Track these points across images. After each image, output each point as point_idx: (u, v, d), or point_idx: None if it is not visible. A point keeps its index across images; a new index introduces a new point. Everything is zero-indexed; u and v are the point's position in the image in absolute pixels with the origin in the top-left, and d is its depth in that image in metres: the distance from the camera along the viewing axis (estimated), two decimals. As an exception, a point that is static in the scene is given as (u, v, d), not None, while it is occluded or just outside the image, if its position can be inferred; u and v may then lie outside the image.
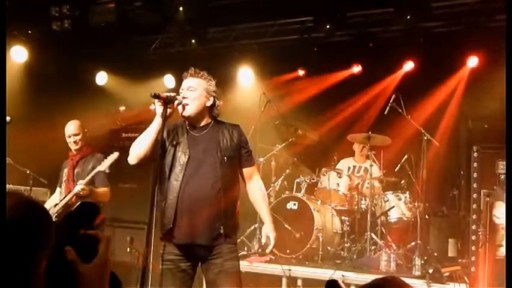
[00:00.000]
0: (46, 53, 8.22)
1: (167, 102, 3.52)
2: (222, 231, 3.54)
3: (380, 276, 1.77)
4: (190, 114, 3.61)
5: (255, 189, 3.82)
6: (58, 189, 5.60)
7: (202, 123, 3.70)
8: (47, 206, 5.39)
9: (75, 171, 5.35)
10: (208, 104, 3.67)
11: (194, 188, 3.56)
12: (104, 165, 5.14)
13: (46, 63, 8.25)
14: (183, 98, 3.59)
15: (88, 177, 5.11)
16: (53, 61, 8.28)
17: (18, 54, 8.09)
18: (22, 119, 6.13)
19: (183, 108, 3.59)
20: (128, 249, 7.18)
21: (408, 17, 7.00)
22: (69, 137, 5.39)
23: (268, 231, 3.81)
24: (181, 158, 3.62)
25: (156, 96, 3.52)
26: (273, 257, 6.19)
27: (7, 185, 6.21)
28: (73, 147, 5.40)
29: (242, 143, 3.74)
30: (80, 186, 5.06)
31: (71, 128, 5.41)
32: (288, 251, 6.24)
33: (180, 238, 3.56)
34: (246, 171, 3.78)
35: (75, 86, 8.41)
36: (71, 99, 7.94)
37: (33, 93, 7.97)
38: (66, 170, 5.45)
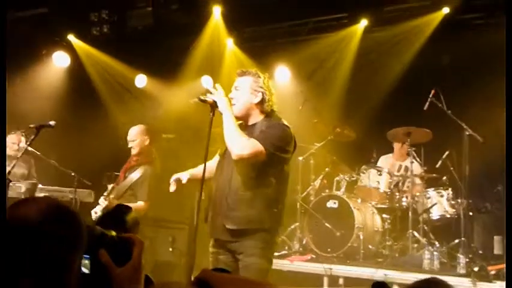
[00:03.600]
0: (87, 57, 8.41)
1: (214, 105, 3.57)
2: (229, 226, 3.54)
3: (423, 278, 1.74)
4: (236, 114, 3.60)
5: None
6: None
7: (252, 121, 3.67)
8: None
9: (126, 174, 5.42)
10: (256, 100, 3.63)
11: (218, 186, 3.66)
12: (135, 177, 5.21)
13: (87, 67, 8.44)
14: (231, 98, 3.61)
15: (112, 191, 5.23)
16: (94, 65, 8.46)
17: (61, 60, 8.31)
18: (65, 123, 6.30)
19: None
20: (170, 249, 7.30)
21: (445, 9, 6.90)
22: (129, 142, 5.45)
23: None
24: (218, 156, 3.75)
25: (203, 100, 3.58)
26: (314, 256, 6.19)
27: (53, 187, 6.42)
28: (131, 151, 5.46)
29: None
30: (102, 200, 5.16)
31: (130, 133, 5.47)
32: (328, 249, 6.22)
33: (211, 233, 3.70)
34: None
35: (115, 89, 8.58)
36: (112, 102, 8.12)
37: (76, 97, 8.18)
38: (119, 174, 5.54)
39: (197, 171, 3.89)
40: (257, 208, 3.53)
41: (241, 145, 3.46)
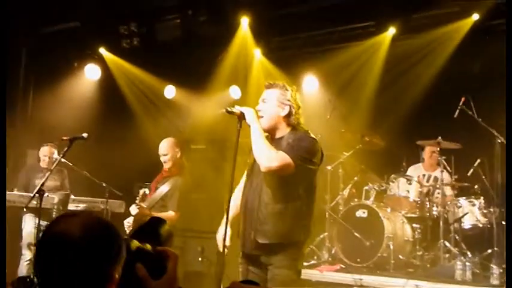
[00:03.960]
0: (117, 69, 8.56)
1: (242, 117, 3.59)
2: (260, 240, 3.54)
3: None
4: (264, 127, 3.60)
5: None
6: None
7: (279, 134, 3.67)
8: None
9: (158, 186, 5.41)
10: (283, 113, 3.62)
11: (247, 199, 3.67)
12: (166, 189, 5.28)
13: (117, 79, 8.59)
14: (258, 110, 3.62)
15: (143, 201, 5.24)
16: (124, 77, 8.61)
17: (92, 72, 8.49)
18: (97, 134, 6.41)
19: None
20: (200, 259, 7.35)
21: (475, 15, 6.83)
22: (160, 156, 5.45)
23: None
24: (246, 173, 3.80)
25: (230, 112, 3.61)
26: (343, 266, 6.15)
27: (85, 198, 6.54)
28: (164, 165, 5.45)
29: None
30: (133, 207, 5.18)
31: (161, 147, 5.45)
32: (358, 259, 6.17)
33: (242, 247, 3.70)
34: None
35: (145, 100, 8.71)
36: (142, 114, 8.24)
37: (107, 109, 8.33)
38: (150, 185, 5.53)
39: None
40: (287, 221, 3.53)
41: (270, 157, 3.45)
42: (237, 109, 3.61)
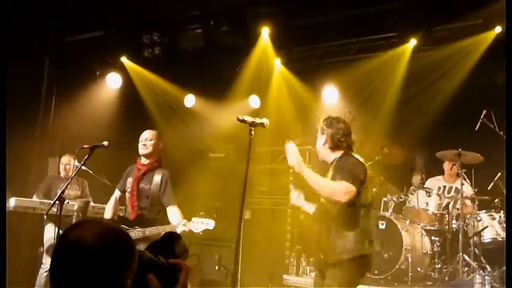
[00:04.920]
0: (138, 78, 8.66)
1: (253, 125, 3.77)
2: (326, 259, 4.00)
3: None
4: (323, 157, 4.16)
5: None
6: (117, 192, 5.41)
7: (333, 158, 4.11)
8: (108, 208, 5.38)
9: (140, 185, 5.12)
10: (339, 143, 4.07)
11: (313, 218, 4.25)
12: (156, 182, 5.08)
13: (138, 88, 8.68)
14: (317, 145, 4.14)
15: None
16: (145, 86, 8.70)
17: (114, 81, 8.59)
18: (118, 142, 6.46)
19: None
20: (217, 267, 7.36)
21: (498, 28, 6.77)
22: (141, 141, 5.20)
23: None
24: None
25: (242, 120, 3.78)
26: (361, 278, 6.10)
27: (104, 205, 6.61)
28: (142, 150, 5.16)
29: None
30: (181, 227, 4.81)
31: (145, 133, 5.25)
32: (376, 271, 6.13)
33: (313, 263, 4.52)
34: None
35: (165, 109, 8.78)
36: (162, 122, 8.30)
37: (127, 117, 8.40)
38: (130, 180, 5.22)
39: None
40: (354, 239, 3.86)
41: (337, 192, 3.79)
42: (247, 118, 3.85)
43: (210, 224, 4.81)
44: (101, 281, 1.52)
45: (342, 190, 3.75)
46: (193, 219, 4.83)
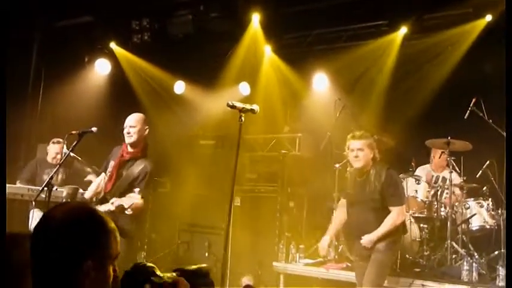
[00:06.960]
0: (127, 64, 8.59)
1: (243, 111, 3.73)
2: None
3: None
4: (362, 169, 4.99)
5: None
6: (103, 174, 5.23)
7: (368, 167, 4.98)
8: (90, 189, 5.29)
9: (119, 171, 5.01)
10: (372, 156, 4.96)
11: (353, 213, 5.23)
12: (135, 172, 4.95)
13: (128, 74, 8.61)
14: (355, 157, 4.95)
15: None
16: (134, 72, 8.63)
17: (102, 67, 8.52)
18: (107, 129, 6.41)
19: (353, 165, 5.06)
20: (206, 254, 7.37)
21: (488, 16, 6.79)
22: (125, 127, 5.01)
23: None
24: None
25: (232, 106, 3.73)
26: (349, 264, 6.15)
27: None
28: (127, 139, 5.00)
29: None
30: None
31: (129, 119, 5.06)
32: (365, 258, 6.15)
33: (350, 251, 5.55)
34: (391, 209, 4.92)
35: (154, 95, 8.72)
36: (151, 108, 8.25)
37: (116, 103, 8.34)
38: (112, 163, 5.10)
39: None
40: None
41: (396, 223, 4.93)
42: (237, 104, 3.80)
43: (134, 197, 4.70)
44: (62, 258, 1.60)
45: (398, 220, 4.95)
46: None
